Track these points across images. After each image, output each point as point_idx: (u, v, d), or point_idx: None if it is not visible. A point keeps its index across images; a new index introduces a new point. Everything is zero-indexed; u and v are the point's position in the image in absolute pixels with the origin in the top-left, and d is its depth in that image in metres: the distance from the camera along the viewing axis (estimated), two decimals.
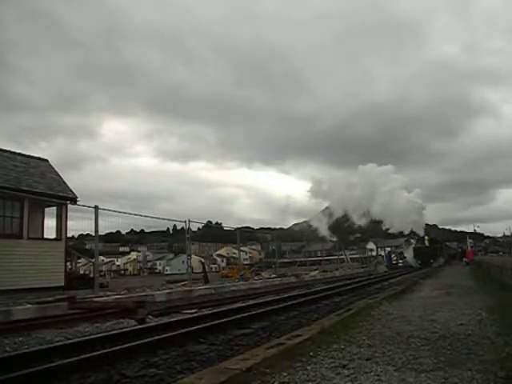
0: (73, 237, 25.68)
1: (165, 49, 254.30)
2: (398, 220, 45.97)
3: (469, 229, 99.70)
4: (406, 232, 46.33)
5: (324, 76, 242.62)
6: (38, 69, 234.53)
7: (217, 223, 79.60)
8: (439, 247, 43.36)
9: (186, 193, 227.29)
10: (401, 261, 42.93)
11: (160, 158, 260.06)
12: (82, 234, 28.94)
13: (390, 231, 49.80)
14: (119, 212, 13.34)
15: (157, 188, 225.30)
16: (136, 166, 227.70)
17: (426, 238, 41.57)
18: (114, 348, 4.47)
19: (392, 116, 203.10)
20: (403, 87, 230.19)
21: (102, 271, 37.21)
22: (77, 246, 23.98)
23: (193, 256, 19.84)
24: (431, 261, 38.29)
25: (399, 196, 47.13)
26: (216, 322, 6.24)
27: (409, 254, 42.77)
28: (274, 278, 19.97)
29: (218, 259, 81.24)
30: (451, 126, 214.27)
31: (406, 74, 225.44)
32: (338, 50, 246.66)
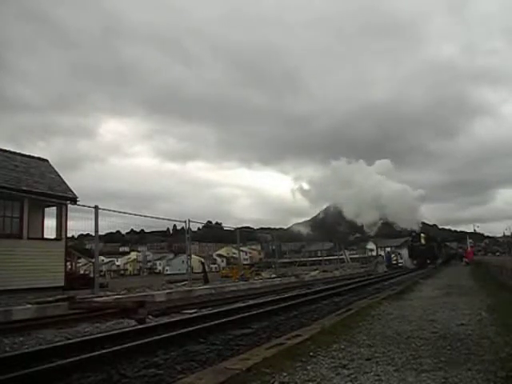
0: (73, 237, 25.69)
1: (163, 49, 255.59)
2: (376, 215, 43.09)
3: (469, 229, 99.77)
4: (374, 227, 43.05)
5: (322, 77, 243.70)
6: (35, 69, 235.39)
7: (217, 223, 79.71)
8: (437, 246, 40.15)
9: (186, 193, 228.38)
10: (401, 261, 40.64)
11: (159, 158, 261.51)
12: (82, 234, 28.90)
13: (367, 233, 48.22)
14: (119, 212, 13.32)
15: (156, 188, 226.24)
16: (135, 166, 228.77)
17: (423, 235, 38.29)
18: (114, 348, 4.46)
19: (391, 116, 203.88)
20: (402, 88, 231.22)
21: (102, 271, 37.21)
22: (77, 246, 24.00)
23: (193, 256, 19.82)
24: (428, 261, 35.50)
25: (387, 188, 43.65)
26: (216, 321, 6.24)
27: (403, 254, 39.77)
28: (274, 278, 19.95)
29: (218, 259, 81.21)
30: (450, 126, 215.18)
31: (404, 75, 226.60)
32: (336, 51, 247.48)
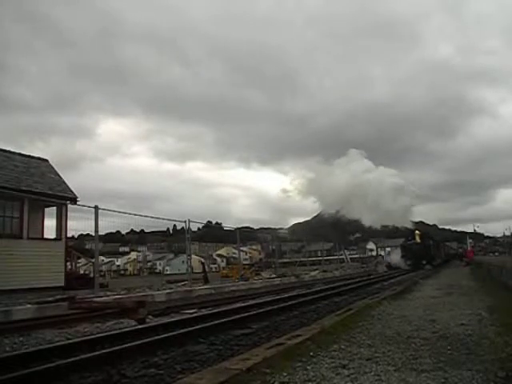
0: (73, 237, 25.71)
1: (161, 49, 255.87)
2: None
3: (469, 229, 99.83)
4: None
5: (321, 77, 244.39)
6: (34, 69, 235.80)
7: (217, 223, 79.75)
8: (434, 245, 36.21)
9: (185, 193, 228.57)
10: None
11: (158, 158, 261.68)
12: (82, 234, 28.86)
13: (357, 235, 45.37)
14: (119, 212, 13.30)
15: (156, 188, 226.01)
16: (134, 166, 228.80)
17: (417, 232, 34.23)
18: (114, 348, 4.46)
19: (390, 116, 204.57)
20: (401, 88, 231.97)
21: (101, 271, 37.12)
22: (77, 246, 23.97)
23: (193, 256, 19.81)
24: (424, 261, 31.60)
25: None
26: (216, 321, 6.24)
27: (395, 254, 36.08)
28: (274, 278, 19.95)
29: (218, 259, 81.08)
30: (449, 126, 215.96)
31: (403, 75, 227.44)
32: (334, 51, 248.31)
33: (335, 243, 42.92)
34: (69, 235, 15.62)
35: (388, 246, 48.71)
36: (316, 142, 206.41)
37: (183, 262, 39.02)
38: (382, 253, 46.77)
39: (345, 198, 37.51)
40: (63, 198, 14.59)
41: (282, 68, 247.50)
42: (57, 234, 14.34)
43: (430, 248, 34.05)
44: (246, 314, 7.20)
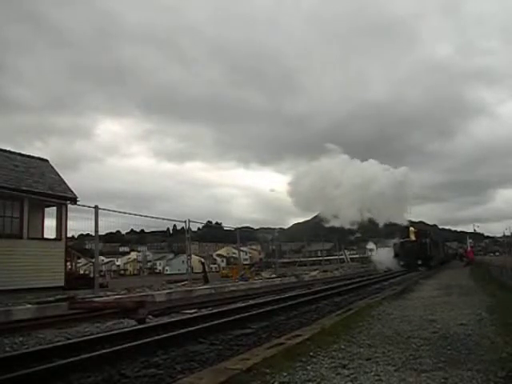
0: (73, 237, 25.74)
1: (160, 50, 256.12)
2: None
3: (469, 229, 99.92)
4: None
5: (320, 77, 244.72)
6: (33, 70, 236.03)
7: (217, 223, 79.79)
8: (432, 243, 31.92)
9: (184, 193, 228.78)
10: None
11: (157, 159, 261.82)
12: (82, 234, 28.91)
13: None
14: (119, 212, 13.31)
15: (155, 188, 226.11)
16: (134, 167, 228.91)
17: (412, 229, 30.65)
18: (114, 348, 4.46)
19: (389, 117, 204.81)
20: (399, 88, 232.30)
21: (101, 271, 37.06)
22: (77, 246, 23.97)
23: (193, 256, 19.82)
24: (419, 261, 28.44)
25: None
26: (216, 322, 6.24)
27: (387, 253, 32.88)
28: (274, 278, 19.94)
29: (218, 259, 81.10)
30: (448, 126, 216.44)
31: (401, 75, 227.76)
32: (333, 52, 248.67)
33: (335, 243, 42.84)
34: (69, 235, 15.62)
35: (388, 246, 48.50)
36: (315, 142, 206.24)
37: (183, 261, 39.06)
38: None
39: (315, 198, 34.42)
40: (63, 198, 14.59)
41: (282, 68, 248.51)
42: (57, 234, 14.34)
43: (427, 247, 30.36)
44: (246, 314, 7.20)
